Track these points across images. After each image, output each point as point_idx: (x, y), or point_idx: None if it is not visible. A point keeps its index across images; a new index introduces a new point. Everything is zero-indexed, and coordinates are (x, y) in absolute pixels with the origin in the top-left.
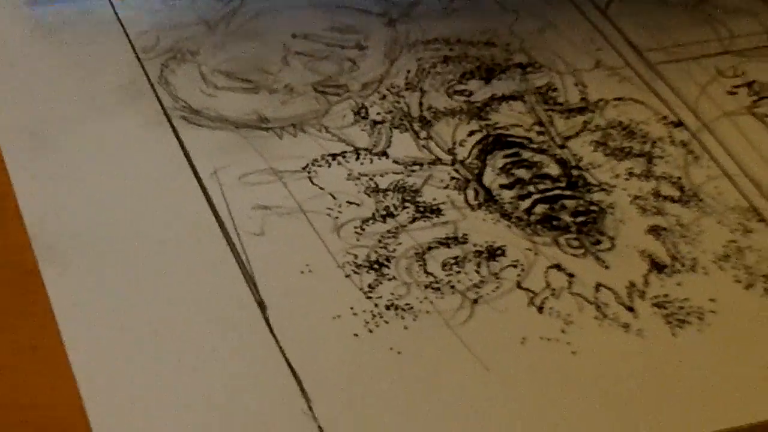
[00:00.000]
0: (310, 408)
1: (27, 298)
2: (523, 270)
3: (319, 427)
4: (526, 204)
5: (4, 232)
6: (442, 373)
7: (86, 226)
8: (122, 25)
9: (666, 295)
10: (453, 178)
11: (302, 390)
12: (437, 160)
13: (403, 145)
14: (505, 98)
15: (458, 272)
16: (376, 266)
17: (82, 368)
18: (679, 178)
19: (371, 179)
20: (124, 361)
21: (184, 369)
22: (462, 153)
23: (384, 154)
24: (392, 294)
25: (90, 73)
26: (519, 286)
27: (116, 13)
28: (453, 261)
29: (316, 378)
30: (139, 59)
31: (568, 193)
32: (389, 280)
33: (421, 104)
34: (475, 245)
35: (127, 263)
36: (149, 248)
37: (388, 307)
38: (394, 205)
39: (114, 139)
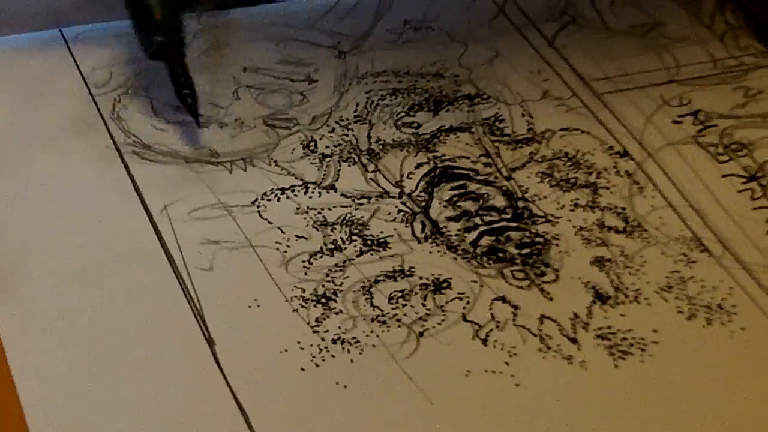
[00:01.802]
0: None
1: None
2: (468, 302)
3: None
4: (472, 236)
5: None
6: (387, 406)
7: (35, 259)
8: (75, 61)
9: (609, 327)
10: (400, 211)
11: (249, 425)
12: (385, 193)
13: (351, 178)
14: (452, 129)
15: (404, 305)
16: (323, 300)
17: (29, 400)
18: (624, 208)
19: (319, 213)
20: (71, 394)
21: (132, 403)
22: (409, 185)
23: (332, 187)
24: (339, 328)
25: (42, 108)
26: (464, 318)
27: (69, 49)
28: (399, 294)
29: (263, 413)
30: (91, 94)
31: (513, 224)
32: (336, 313)
33: (369, 137)
34: (421, 278)
35: (76, 296)
36: (98, 282)
37: (334, 341)
38: (341, 238)
39: (65, 174)
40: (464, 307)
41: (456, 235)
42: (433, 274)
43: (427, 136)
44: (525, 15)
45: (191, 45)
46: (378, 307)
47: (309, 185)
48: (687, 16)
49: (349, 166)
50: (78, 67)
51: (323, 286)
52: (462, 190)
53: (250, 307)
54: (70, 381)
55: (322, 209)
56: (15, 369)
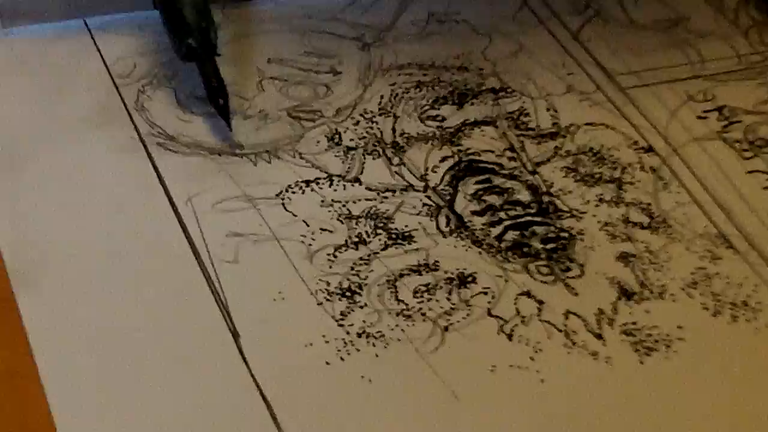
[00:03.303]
0: None
1: (1, 324)
2: (493, 297)
3: None
4: (497, 231)
5: None
6: (412, 401)
7: (60, 251)
8: (99, 50)
9: (634, 323)
10: (425, 204)
11: (274, 419)
12: (410, 187)
13: (376, 171)
14: (477, 123)
15: (429, 299)
16: (348, 294)
17: (55, 395)
18: (649, 204)
19: (344, 206)
20: (97, 388)
21: (156, 395)
22: (434, 179)
23: (357, 180)
24: (364, 322)
25: (66, 98)
26: (489, 313)
27: (93, 39)
28: (424, 288)
29: (288, 407)
30: (115, 85)
31: (538, 219)
32: (361, 307)
33: (394, 130)
34: (446, 272)
35: (101, 290)
36: (122, 274)
37: (359, 335)
38: (366, 232)
39: (89, 165)
40: (489, 302)
41: (481, 229)
42: (458, 269)
43: (452, 130)
44: (549, 8)
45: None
46: (403, 301)
47: (334, 178)
48: (711, 10)
49: (373, 159)
50: (102, 57)
51: (348, 279)
52: (487, 184)
53: (274, 300)
54: (95, 373)
55: (347, 202)
56: (40, 361)
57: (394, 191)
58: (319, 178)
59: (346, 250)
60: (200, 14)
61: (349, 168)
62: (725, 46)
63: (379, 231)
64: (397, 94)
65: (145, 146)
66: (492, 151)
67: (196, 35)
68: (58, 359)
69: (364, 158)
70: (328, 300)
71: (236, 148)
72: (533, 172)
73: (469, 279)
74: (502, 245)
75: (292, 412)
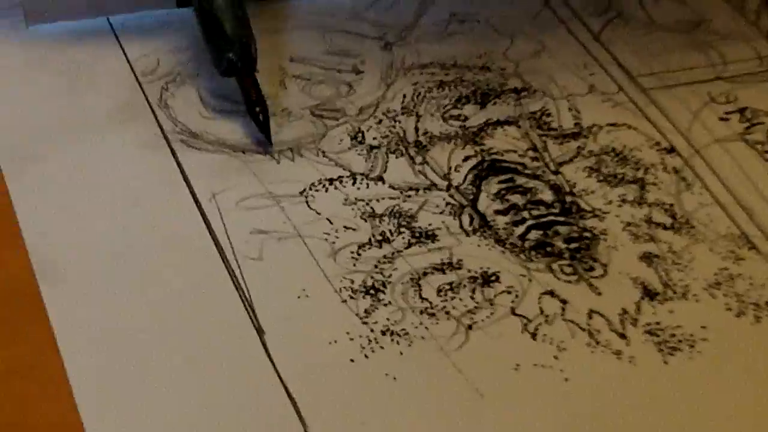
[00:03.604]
0: None
1: (26, 316)
2: (517, 296)
3: None
4: (520, 230)
5: (4, 249)
6: (436, 399)
7: (85, 246)
8: (122, 48)
9: (658, 323)
10: (448, 203)
11: (299, 415)
12: (433, 186)
13: (399, 170)
14: (499, 123)
15: (453, 298)
16: (372, 291)
17: (80, 389)
18: (672, 204)
19: (367, 204)
20: (122, 383)
21: (182, 392)
22: (457, 178)
23: (380, 179)
24: (388, 319)
25: (90, 95)
26: (513, 312)
27: (116, 36)
28: (448, 287)
29: (313, 404)
30: (139, 82)
31: (561, 219)
32: (385, 305)
33: (416, 129)
34: (469, 271)
35: (125, 285)
36: (147, 271)
37: (383, 333)
38: (390, 230)
39: (113, 161)
40: (513, 301)
41: (504, 228)
42: (481, 267)
43: (475, 129)
44: (570, 8)
45: None
46: (427, 299)
47: (357, 176)
48: (732, 12)
49: (396, 157)
50: (125, 55)
51: (372, 277)
52: (510, 184)
53: (299, 297)
54: (121, 370)
55: (370, 200)
56: (67, 357)
57: (417, 190)
58: (342, 177)
59: (369, 249)
60: (242, 28)
61: (372, 166)
62: (747, 47)
63: (403, 229)
64: (419, 93)
65: (168, 143)
66: (515, 151)
67: (236, 49)
68: (85, 355)
69: (387, 157)
70: (352, 298)
71: (260, 144)
72: (556, 172)
73: (493, 278)
74: (526, 244)
75: (316, 409)
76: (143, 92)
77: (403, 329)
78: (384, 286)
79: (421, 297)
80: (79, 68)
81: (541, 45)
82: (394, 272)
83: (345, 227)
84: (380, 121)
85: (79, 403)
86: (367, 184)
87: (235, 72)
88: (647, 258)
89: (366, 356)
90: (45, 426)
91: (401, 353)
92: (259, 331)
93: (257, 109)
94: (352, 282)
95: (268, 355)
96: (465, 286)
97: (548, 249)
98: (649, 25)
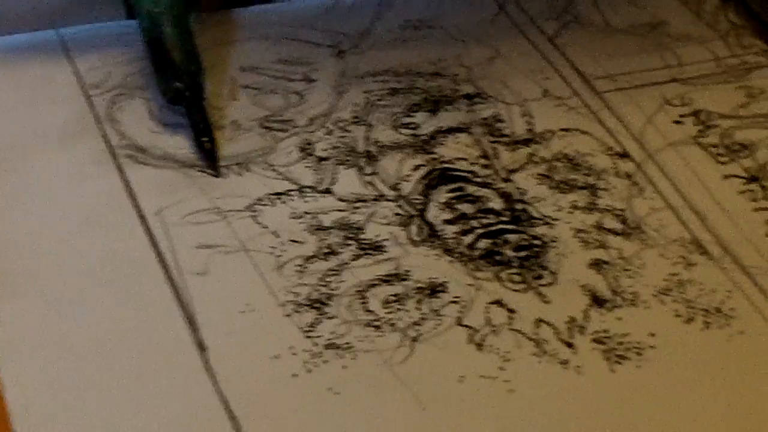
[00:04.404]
0: None
1: None
2: (464, 306)
3: None
4: (469, 239)
5: None
6: (379, 413)
7: (29, 263)
8: (72, 61)
9: (606, 331)
10: (396, 214)
11: None
12: (381, 196)
13: (348, 181)
14: (451, 130)
15: (399, 310)
16: (317, 305)
17: (17, 406)
18: (623, 210)
19: (315, 217)
20: (61, 399)
21: (122, 408)
22: (406, 188)
23: (328, 191)
24: (332, 333)
25: (38, 110)
26: (459, 323)
27: (66, 49)
28: (394, 298)
29: (255, 420)
30: (88, 95)
31: (511, 227)
32: (330, 318)
33: (367, 138)
34: (417, 282)
35: (67, 301)
36: (89, 287)
37: (327, 347)
38: (336, 242)
39: (59, 177)
40: (460, 311)
41: (453, 238)
42: (428, 278)
43: (426, 137)
44: (526, 13)
45: None
46: (372, 312)
47: (305, 189)
48: (689, 14)
49: (345, 169)
50: (74, 68)
51: (317, 290)
52: (459, 193)
53: (243, 312)
54: (60, 385)
55: (318, 213)
56: (5, 374)
57: (365, 201)
58: (290, 190)
59: (315, 261)
60: (189, 57)
61: (320, 179)
62: (703, 49)
63: (350, 241)
64: (371, 102)
65: (115, 158)
66: (465, 159)
67: (184, 78)
68: (23, 370)
69: (337, 168)
70: (296, 311)
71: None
72: (507, 180)
73: (440, 288)
74: (474, 254)
75: (258, 426)
76: (92, 106)
77: (348, 343)
78: (329, 299)
79: (366, 309)
80: (29, 82)
81: (495, 50)
82: (341, 285)
83: (291, 240)
84: (330, 132)
85: (14, 417)
86: (315, 197)
87: (182, 101)
88: (597, 265)
89: (309, 371)
90: None
91: (345, 367)
92: (201, 348)
93: (205, 139)
94: (297, 295)
95: (210, 372)
96: (411, 297)
97: (497, 258)
98: (605, 28)
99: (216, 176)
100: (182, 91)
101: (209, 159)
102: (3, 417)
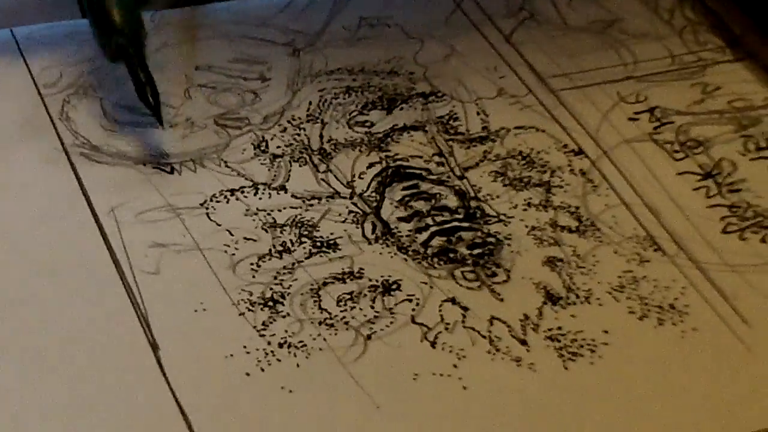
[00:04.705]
0: None
1: None
2: (418, 304)
3: None
4: (423, 237)
5: None
6: (333, 411)
7: None
8: (25, 61)
9: (559, 328)
10: (351, 211)
11: (191, 431)
12: (336, 194)
13: (302, 178)
14: (406, 128)
15: (353, 308)
16: (270, 303)
17: None
18: (578, 207)
19: (269, 214)
20: (8, 396)
21: (74, 409)
22: (361, 186)
23: (283, 188)
24: (286, 331)
25: None
26: (413, 320)
27: (19, 48)
28: (348, 296)
29: (207, 419)
30: (41, 95)
31: (465, 225)
32: (283, 317)
33: (321, 136)
34: (370, 280)
35: (17, 299)
36: (41, 285)
37: (281, 345)
38: (291, 240)
39: (11, 177)
40: (413, 309)
41: (407, 235)
42: (382, 276)
43: (380, 135)
44: (483, 11)
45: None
46: (326, 310)
47: (259, 186)
48: (646, 11)
49: (300, 166)
50: (28, 67)
51: (271, 289)
52: (414, 190)
53: (196, 311)
54: (9, 386)
55: (272, 211)
56: None
57: (320, 199)
58: (244, 187)
59: (269, 260)
60: (128, 12)
61: (275, 176)
62: (659, 46)
63: (304, 239)
64: (325, 100)
65: (68, 157)
66: (420, 157)
67: (124, 33)
68: None
69: (291, 166)
70: (250, 310)
71: (162, 156)
72: (461, 177)
73: (394, 286)
74: (428, 251)
75: (210, 425)
76: (45, 105)
77: (301, 341)
78: (283, 297)
79: (320, 308)
80: None
81: (451, 48)
82: (294, 283)
83: (245, 238)
84: (285, 129)
85: None
86: (269, 194)
87: (124, 56)
88: (551, 262)
89: (262, 369)
90: None
91: (298, 366)
92: (154, 347)
93: (147, 90)
94: (251, 294)
95: (162, 371)
96: (365, 295)
97: (451, 255)
98: (562, 26)
99: (162, 127)
100: (124, 46)
101: (154, 113)
102: None
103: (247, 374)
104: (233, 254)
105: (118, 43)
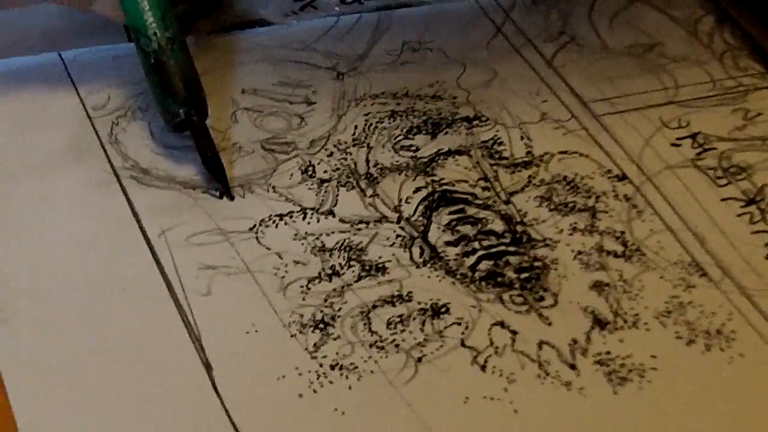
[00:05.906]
0: None
1: None
2: (467, 328)
3: None
4: (470, 261)
5: None
6: None
7: (31, 285)
8: (73, 83)
9: (608, 352)
10: (398, 235)
11: None
12: (383, 218)
13: (350, 203)
14: (451, 153)
15: (402, 331)
16: (321, 326)
17: (26, 427)
18: (623, 232)
19: (317, 238)
20: (69, 421)
21: (129, 429)
22: (408, 210)
23: (330, 213)
24: (337, 353)
25: (40, 132)
26: (463, 344)
27: (68, 71)
28: (398, 319)
29: None
30: (89, 117)
31: (512, 249)
32: (334, 339)
33: (367, 161)
34: (419, 303)
35: (74, 325)
36: (95, 308)
37: (332, 367)
38: (339, 264)
39: (62, 198)
40: (463, 333)
41: (454, 259)
42: (431, 299)
43: (426, 160)
44: (523, 35)
45: None
46: (376, 333)
47: (307, 211)
48: (685, 35)
49: (347, 191)
50: (76, 90)
51: (321, 311)
52: (460, 215)
53: (247, 332)
54: (68, 408)
55: (321, 235)
56: (12, 397)
57: (367, 223)
58: (293, 212)
59: (319, 283)
60: (193, 80)
61: (322, 200)
62: (700, 71)
63: (353, 263)
64: (371, 124)
65: (119, 180)
66: (466, 181)
67: (189, 102)
68: (31, 394)
69: (338, 190)
70: (301, 332)
71: (210, 181)
72: (507, 202)
73: (443, 309)
74: (476, 275)
75: None
76: (94, 128)
77: (352, 363)
78: (333, 319)
79: (370, 330)
80: (30, 105)
81: (493, 72)
82: (344, 306)
83: (295, 262)
84: (331, 154)
85: None
86: (318, 219)
87: (189, 126)
88: (598, 287)
89: (314, 391)
90: None
91: (350, 387)
92: (207, 367)
93: (213, 162)
94: (302, 316)
95: (216, 391)
96: (415, 318)
97: (499, 279)
98: (602, 49)
99: (231, 200)
100: (189, 116)
101: (220, 182)
102: None
103: (300, 395)
104: (283, 277)
105: (181, 113)
